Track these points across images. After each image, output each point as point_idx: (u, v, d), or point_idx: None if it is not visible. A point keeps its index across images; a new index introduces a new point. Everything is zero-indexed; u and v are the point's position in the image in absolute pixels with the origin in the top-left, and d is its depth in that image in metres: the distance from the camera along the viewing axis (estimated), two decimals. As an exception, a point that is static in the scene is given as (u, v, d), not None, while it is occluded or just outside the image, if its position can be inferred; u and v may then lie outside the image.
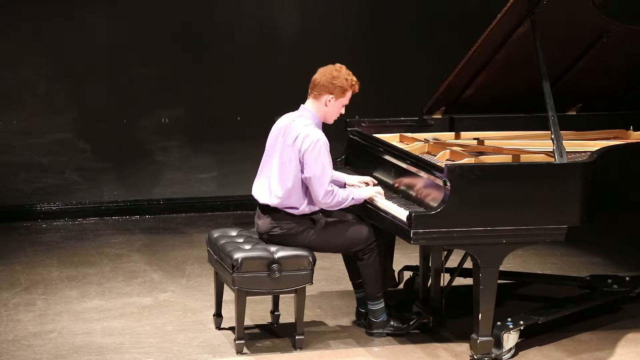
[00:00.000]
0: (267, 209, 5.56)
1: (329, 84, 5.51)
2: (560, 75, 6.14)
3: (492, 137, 6.21)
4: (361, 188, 5.67)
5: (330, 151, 5.52)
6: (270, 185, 5.55)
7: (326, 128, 5.62)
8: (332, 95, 5.52)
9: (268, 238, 5.58)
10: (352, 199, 5.53)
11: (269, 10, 8.79)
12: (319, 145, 5.43)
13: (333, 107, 5.55)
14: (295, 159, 5.46)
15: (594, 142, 6.03)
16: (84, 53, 8.39)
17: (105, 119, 8.52)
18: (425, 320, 5.81)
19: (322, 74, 5.54)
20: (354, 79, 5.57)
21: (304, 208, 5.51)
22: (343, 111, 5.63)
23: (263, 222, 5.59)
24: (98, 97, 8.48)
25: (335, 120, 5.67)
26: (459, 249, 5.38)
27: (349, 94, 5.56)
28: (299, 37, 8.80)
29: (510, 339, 5.43)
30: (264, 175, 5.61)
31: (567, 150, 5.42)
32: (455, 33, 8.52)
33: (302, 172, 5.45)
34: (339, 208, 5.55)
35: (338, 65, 5.59)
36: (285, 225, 5.52)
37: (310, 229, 5.55)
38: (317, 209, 5.58)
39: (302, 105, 5.61)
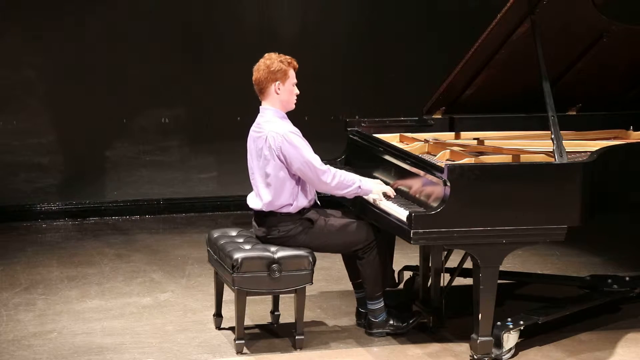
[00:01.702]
0: (262, 215, 5.55)
1: (268, 74, 5.49)
2: (560, 75, 6.13)
3: (492, 137, 6.20)
4: (370, 180, 5.60)
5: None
6: (258, 192, 5.54)
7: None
8: (277, 82, 5.49)
9: (266, 241, 5.57)
10: (359, 187, 5.49)
11: (269, 10, 8.79)
12: (290, 136, 5.41)
13: (285, 91, 5.51)
14: (272, 159, 5.43)
15: (594, 142, 6.02)
16: (84, 53, 8.39)
17: (104, 119, 8.52)
18: (425, 320, 5.81)
19: (257, 70, 5.53)
20: (288, 57, 5.55)
21: (298, 203, 5.50)
22: (298, 92, 5.57)
23: (260, 229, 5.59)
24: (98, 97, 8.48)
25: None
26: (459, 249, 5.37)
27: (292, 73, 5.53)
28: (299, 37, 8.79)
29: (510, 339, 5.42)
30: (253, 184, 5.61)
31: (567, 150, 5.41)
32: (455, 33, 8.52)
33: (289, 168, 5.42)
34: (345, 192, 5.49)
35: (266, 54, 5.57)
36: (283, 227, 5.51)
37: (309, 229, 5.54)
38: (312, 200, 5.57)
39: (260, 107, 5.58)
